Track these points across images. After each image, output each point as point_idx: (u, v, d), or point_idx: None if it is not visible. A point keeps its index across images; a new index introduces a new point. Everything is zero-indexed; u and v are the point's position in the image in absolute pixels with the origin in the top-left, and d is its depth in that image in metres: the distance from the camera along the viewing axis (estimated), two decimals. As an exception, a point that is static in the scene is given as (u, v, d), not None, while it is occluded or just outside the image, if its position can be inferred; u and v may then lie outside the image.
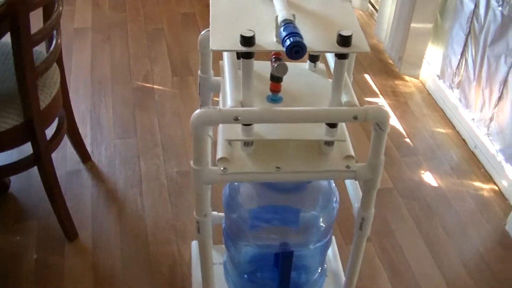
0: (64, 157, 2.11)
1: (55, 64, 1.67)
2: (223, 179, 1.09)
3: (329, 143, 1.08)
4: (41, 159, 1.59)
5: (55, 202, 1.70)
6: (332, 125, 1.04)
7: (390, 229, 1.91)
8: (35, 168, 1.64)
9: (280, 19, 0.93)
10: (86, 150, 2.09)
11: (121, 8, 3.15)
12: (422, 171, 2.15)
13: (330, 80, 1.07)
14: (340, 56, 0.97)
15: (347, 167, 1.08)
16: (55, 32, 1.57)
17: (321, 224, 1.28)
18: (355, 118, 0.98)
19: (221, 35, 0.99)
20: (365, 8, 3.17)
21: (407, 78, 2.66)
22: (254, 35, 0.94)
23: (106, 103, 2.44)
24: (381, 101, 2.49)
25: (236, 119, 0.98)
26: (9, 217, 1.88)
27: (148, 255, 1.78)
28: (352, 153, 1.09)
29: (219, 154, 1.09)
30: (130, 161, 2.14)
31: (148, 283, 1.70)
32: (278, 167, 1.08)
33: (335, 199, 1.29)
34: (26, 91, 1.43)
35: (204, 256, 1.20)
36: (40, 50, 1.69)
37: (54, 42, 1.56)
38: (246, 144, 1.08)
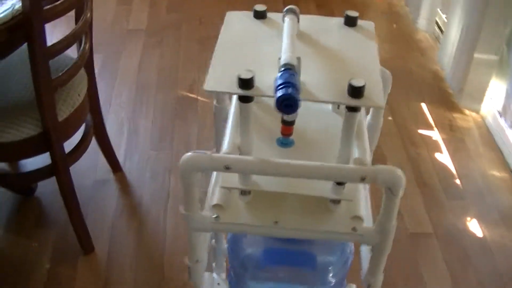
0: (95, 165, 2.08)
1: (82, 72, 1.62)
2: (215, 228, 0.99)
3: (336, 201, 0.96)
4: (58, 170, 1.55)
5: (71, 214, 1.66)
6: (340, 182, 0.92)
7: (419, 274, 1.76)
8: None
9: (281, 62, 0.82)
10: (117, 160, 2.04)
11: (178, 9, 3.11)
12: (468, 218, 1.97)
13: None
14: (351, 108, 0.85)
15: (354, 229, 0.95)
16: (83, 38, 1.52)
17: (334, 273, 1.17)
18: (363, 179, 0.86)
19: (219, 74, 0.89)
20: (431, 30, 2.99)
21: (466, 111, 2.46)
22: (253, 77, 0.84)
23: (147, 111, 2.39)
24: (435, 135, 2.32)
25: (227, 168, 0.88)
26: (29, 221, 1.86)
27: (162, 279, 1.70)
28: (361, 214, 0.97)
29: (214, 200, 0.99)
30: (160, 175, 2.08)
31: (157, 309, 1.63)
32: (276, 222, 0.97)
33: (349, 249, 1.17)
34: (41, 103, 1.38)
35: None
36: (71, 56, 1.65)
37: (80, 50, 1.51)
38: (243, 192, 0.98)
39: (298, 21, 0.97)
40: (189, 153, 0.89)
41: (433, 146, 2.27)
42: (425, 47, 2.88)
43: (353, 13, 1.02)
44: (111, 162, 2.02)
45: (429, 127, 2.38)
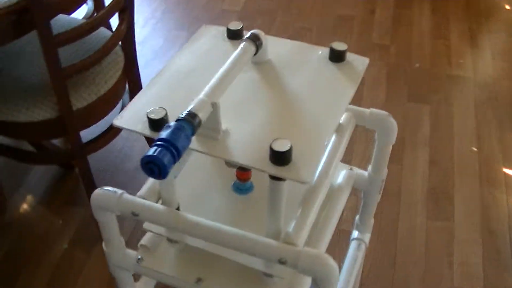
0: (142, 149, 2.03)
1: (117, 56, 1.55)
2: (137, 270, 0.88)
3: (269, 274, 0.80)
4: (75, 156, 1.51)
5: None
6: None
7: None
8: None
9: (185, 110, 0.67)
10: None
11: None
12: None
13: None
14: (273, 176, 0.68)
15: (283, 312, 0.79)
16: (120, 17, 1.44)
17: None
18: (282, 262, 0.70)
19: (139, 106, 0.76)
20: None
21: None
22: (163, 117, 0.70)
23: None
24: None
25: (134, 215, 0.76)
26: (62, 197, 1.86)
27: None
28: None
29: (142, 240, 0.88)
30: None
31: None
32: (200, 279, 0.83)
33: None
34: (54, 89, 1.34)
35: None
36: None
37: (114, 31, 1.43)
38: (170, 240, 0.85)
39: (257, 50, 0.80)
40: (99, 190, 0.78)
41: (516, 190, 1.95)
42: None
43: (339, 46, 0.83)
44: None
45: (519, 166, 2.05)
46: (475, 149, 2.08)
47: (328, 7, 2.85)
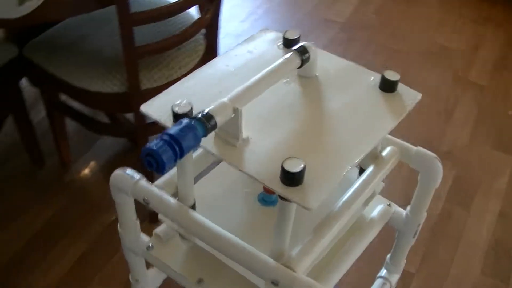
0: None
1: (195, 47, 1.57)
2: (146, 256, 0.87)
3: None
4: (138, 135, 1.54)
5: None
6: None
7: None
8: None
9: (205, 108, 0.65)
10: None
11: (382, 11, 2.88)
12: None
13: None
14: (281, 197, 0.65)
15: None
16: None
17: None
18: (275, 284, 0.67)
19: (170, 97, 0.75)
20: None
21: None
22: (187, 112, 0.69)
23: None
24: None
25: (146, 202, 0.76)
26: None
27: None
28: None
29: (157, 229, 0.87)
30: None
31: None
32: (201, 280, 0.82)
33: None
34: (125, 65, 1.37)
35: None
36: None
37: (197, 19, 1.44)
38: (182, 236, 0.84)
39: (302, 63, 0.77)
40: (119, 170, 0.78)
41: None
42: None
43: (392, 76, 0.79)
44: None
45: None
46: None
47: (431, 34, 2.75)
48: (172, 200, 0.75)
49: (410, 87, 0.80)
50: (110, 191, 0.81)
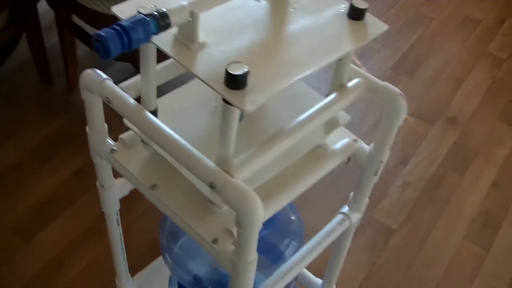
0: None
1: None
2: (107, 159, 0.91)
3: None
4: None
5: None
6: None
7: None
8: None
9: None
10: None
11: None
12: None
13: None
14: (225, 101, 0.67)
15: (214, 241, 0.79)
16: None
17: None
18: (212, 186, 0.70)
19: (137, 2, 0.77)
20: None
21: None
22: (162, 13, 0.70)
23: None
24: None
25: (108, 101, 0.79)
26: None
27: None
28: (231, 228, 0.80)
29: (123, 134, 0.91)
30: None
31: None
32: (155, 186, 0.85)
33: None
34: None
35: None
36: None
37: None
38: (144, 142, 0.87)
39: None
40: (89, 70, 0.81)
41: None
42: None
43: (360, 4, 0.79)
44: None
45: None
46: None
47: (460, 4, 2.70)
48: (132, 102, 0.77)
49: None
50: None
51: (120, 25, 0.62)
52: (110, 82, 0.80)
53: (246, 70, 0.64)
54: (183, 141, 0.73)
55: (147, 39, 0.65)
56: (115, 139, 0.92)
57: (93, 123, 0.88)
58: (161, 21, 0.65)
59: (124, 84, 0.84)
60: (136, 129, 0.84)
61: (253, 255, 0.74)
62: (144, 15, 0.65)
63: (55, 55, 2.02)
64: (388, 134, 0.92)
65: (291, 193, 0.85)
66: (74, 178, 1.72)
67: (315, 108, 0.81)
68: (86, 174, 1.73)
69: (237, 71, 0.64)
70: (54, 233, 1.59)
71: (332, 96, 0.84)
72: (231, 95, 0.65)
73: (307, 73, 0.70)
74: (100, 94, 0.80)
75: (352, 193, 1.05)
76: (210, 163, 0.71)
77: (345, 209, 1.06)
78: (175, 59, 0.69)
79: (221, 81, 0.66)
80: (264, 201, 0.70)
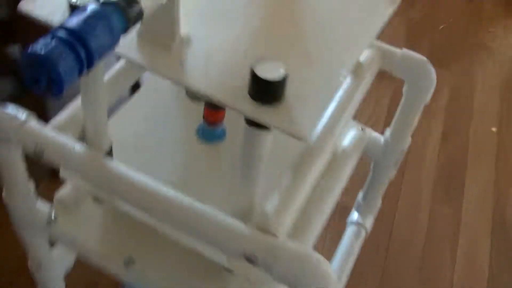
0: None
1: None
2: (51, 233, 0.62)
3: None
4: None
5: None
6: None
7: None
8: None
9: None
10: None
11: None
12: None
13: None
14: (250, 121, 0.42)
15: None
16: None
17: None
18: (250, 259, 0.44)
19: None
20: None
21: None
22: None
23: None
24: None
25: (37, 153, 0.50)
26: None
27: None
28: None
29: (59, 193, 0.61)
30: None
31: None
32: (131, 260, 0.58)
33: None
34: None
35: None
36: None
37: None
38: (97, 198, 0.59)
39: None
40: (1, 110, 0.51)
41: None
42: None
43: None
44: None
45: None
46: (494, 129, 1.82)
47: None
48: (78, 146, 0.49)
49: None
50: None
51: (68, 29, 0.34)
52: (35, 123, 0.51)
53: (283, 72, 0.39)
54: (181, 196, 0.46)
55: (115, 43, 0.37)
56: (47, 198, 0.62)
57: (14, 186, 0.58)
58: (128, 10, 0.38)
59: (57, 120, 0.55)
60: (84, 184, 0.56)
61: None
62: (101, 4, 0.37)
63: None
64: (412, 116, 0.70)
65: (322, 216, 0.61)
66: None
67: (337, 103, 0.57)
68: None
69: (271, 74, 0.38)
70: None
71: (349, 82, 0.60)
72: (265, 114, 0.39)
73: (354, 59, 0.46)
74: (23, 141, 0.51)
75: (360, 194, 0.83)
76: (239, 225, 0.45)
77: (355, 216, 0.84)
78: (154, 72, 0.42)
79: (240, 92, 0.40)
80: (303, 233, 0.47)
